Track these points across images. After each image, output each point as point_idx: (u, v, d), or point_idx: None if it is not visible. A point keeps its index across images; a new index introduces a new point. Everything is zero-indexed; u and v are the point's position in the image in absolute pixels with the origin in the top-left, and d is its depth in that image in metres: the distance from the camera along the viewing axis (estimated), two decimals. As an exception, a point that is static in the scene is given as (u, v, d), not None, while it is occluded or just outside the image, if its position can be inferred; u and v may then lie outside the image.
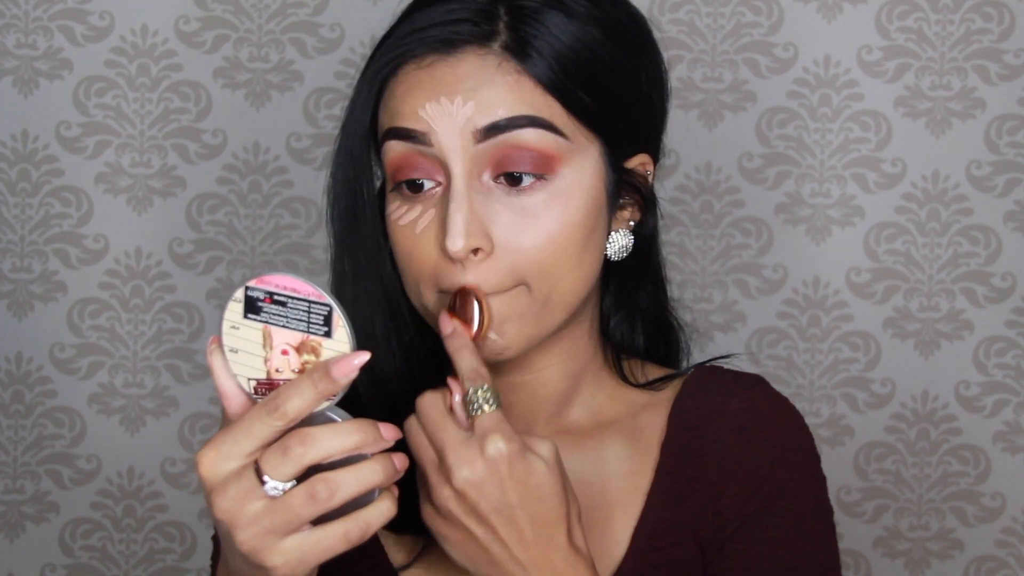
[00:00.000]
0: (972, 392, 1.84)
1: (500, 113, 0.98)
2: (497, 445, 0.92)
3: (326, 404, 0.89)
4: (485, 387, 0.94)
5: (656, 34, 1.10)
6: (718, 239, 1.83)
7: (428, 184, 1.01)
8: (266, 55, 1.83)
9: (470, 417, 0.94)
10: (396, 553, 1.10)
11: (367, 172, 1.05)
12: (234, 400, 0.92)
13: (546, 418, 1.11)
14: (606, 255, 1.07)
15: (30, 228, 1.85)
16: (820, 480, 1.10)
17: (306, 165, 1.84)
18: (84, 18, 1.83)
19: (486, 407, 0.93)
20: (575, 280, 1.03)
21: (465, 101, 0.98)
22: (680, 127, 1.79)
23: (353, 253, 1.07)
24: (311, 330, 0.89)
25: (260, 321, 0.90)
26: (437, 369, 1.11)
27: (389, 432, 0.90)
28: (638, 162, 1.07)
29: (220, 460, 0.88)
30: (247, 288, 0.90)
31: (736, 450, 1.07)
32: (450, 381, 0.96)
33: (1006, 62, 1.80)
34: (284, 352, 0.90)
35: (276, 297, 0.90)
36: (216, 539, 1.14)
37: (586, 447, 1.11)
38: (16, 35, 1.83)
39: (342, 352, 0.89)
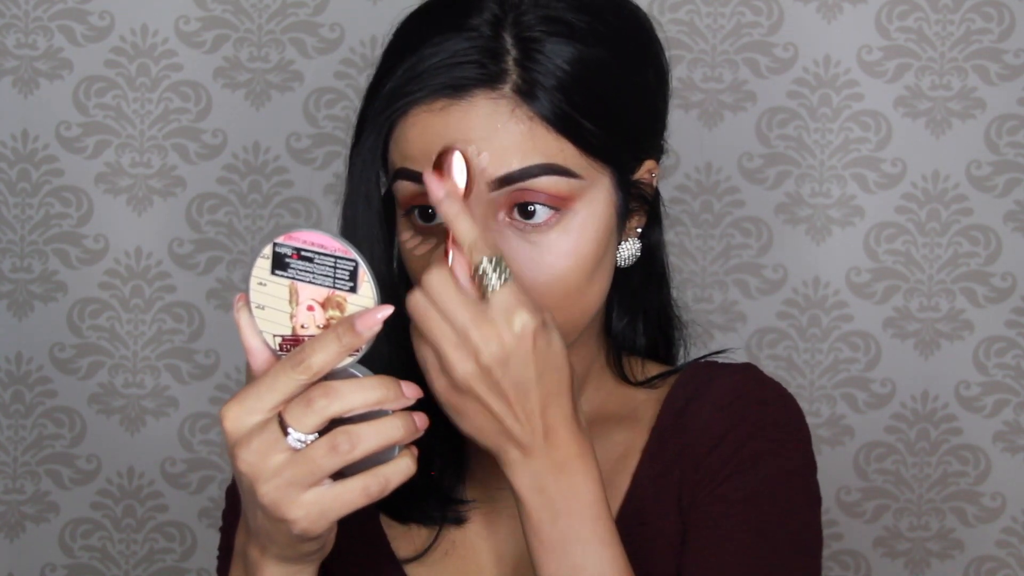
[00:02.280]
0: (972, 392, 1.84)
1: (514, 164, 0.99)
2: (523, 319, 0.92)
3: (349, 360, 0.90)
4: (494, 260, 0.93)
5: (658, 32, 1.10)
6: (718, 239, 1.83)
7: (439, 216, 1.02)
8: (266, 55, 1.83)
9: (482, 291, 0.93)
10: (401, 546, 1.11)
11: (380, 210, 1.06)
12: (259, 356, 0.93)
13: None
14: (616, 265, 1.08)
15: (30, 228, 1.85)
16: (807, 460, 1.09)
17: (306, 165, 1.84)
18: (84, 18, 1.83)
19: (500, 281, 0.93)
20: (586, 304, 1.04)
21: (479, 150, 0.99)
22: (680, 127, 1.79)
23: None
24: (337, 285, 0.90)
25: (287, 277, 0.91)
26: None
27: (411, 390, 0.90)
28: (645, 170, 1.07)
29: (244, 414, 0.89)
30: (275, 244, 0.91)
31: (718, 424, 1.08)
32: (454, 251, 0.95)
33: (1006, 62, 1.80)
34: (310, 308, 0.91)
35: (303, 253, 0.91)
36: (224, 530, 1.14)
37: None
38: (16, 35, 1.83)
39: (365, 307, 0.90)
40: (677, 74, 1.80)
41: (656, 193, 1.10)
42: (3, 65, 1.83)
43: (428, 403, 1.13)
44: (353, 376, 0.90)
